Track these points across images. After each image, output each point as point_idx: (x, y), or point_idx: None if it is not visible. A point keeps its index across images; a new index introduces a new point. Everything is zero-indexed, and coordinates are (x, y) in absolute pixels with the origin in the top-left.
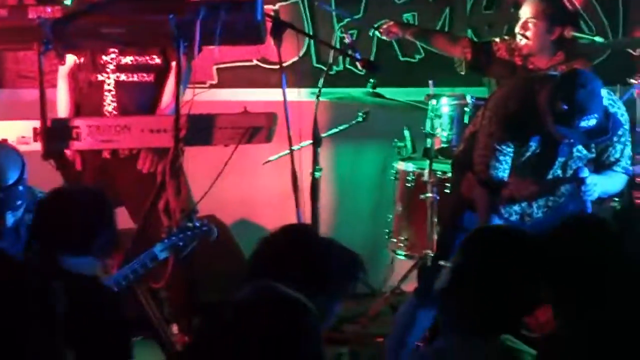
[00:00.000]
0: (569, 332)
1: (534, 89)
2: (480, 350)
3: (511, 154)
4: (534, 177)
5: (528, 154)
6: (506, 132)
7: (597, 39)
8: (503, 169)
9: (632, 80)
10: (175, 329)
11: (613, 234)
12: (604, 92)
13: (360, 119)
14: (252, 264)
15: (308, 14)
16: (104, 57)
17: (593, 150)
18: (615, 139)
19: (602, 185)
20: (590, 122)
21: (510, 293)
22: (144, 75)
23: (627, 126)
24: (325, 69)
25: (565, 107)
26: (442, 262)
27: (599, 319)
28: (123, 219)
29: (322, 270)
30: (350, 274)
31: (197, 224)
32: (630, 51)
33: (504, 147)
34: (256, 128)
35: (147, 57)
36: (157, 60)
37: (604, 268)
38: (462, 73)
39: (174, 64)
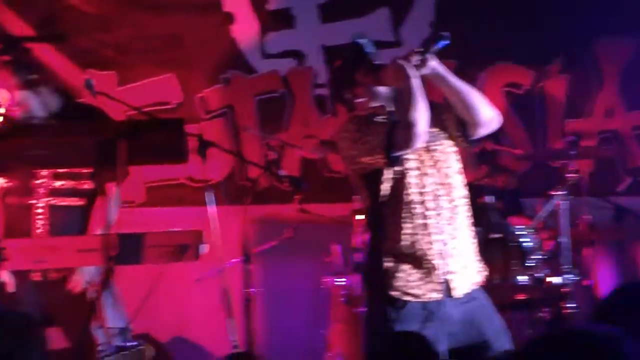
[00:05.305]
0: None
1: None
2: None
3: None
4: None
5: None
6: None
7: None
8: None
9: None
10: None
11: None
12: None
13: (288, 234)
14: None
15: (233, 131)
16: (35, 182)
17: None
18: None
19: None
20: None
21: None
22: (75, 199)
23: None
24: (251, 185)
25: None
26: None
27: None
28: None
29: None
30: None
31: (132, 343)
32: None
33: None
34: (184, 246)
35: (78, 182)
36: (87, 185)
37: None
38: None
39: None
